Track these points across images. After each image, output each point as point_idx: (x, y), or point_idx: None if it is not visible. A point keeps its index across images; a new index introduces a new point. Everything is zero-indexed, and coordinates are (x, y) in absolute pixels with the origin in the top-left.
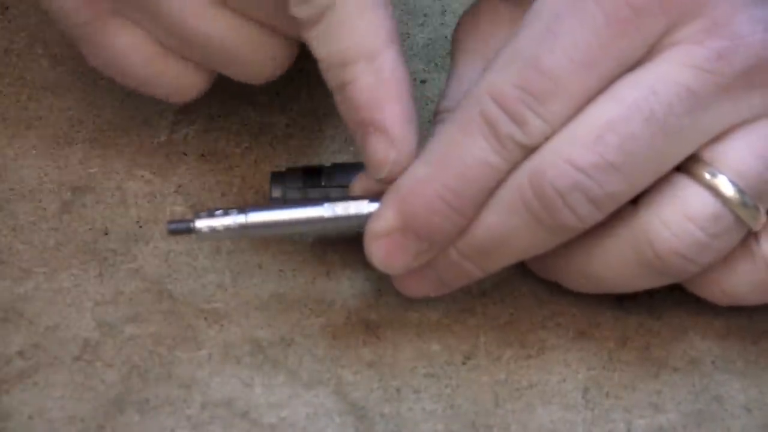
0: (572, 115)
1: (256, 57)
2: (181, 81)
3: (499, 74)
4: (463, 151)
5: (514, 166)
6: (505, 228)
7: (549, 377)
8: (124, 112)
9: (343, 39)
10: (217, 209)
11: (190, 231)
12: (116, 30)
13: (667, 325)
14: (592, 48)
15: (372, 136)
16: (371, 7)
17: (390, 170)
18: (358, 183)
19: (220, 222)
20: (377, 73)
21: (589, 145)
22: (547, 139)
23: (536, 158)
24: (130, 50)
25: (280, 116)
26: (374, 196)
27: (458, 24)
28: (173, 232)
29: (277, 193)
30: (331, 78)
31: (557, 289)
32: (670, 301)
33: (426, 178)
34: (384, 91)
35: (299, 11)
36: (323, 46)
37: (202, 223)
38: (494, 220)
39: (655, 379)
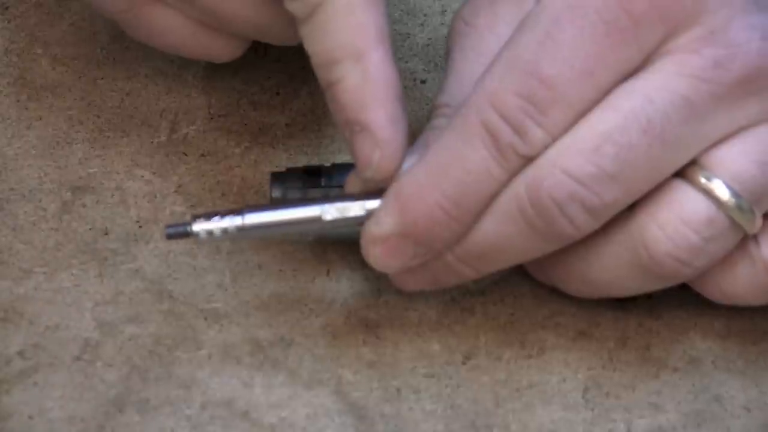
0: (571, 124)
1: (285, 32)
2: (219, 49)
3: (500, 81)
4: (464, 159)
5: (512, 175)
6: (501, 235)
7: (549, 377)
8: (124, 112)
9: (330, 37)
10: (215, 212)
11: (188, 235)
12: (153, 13)
13: (667, 325)
14: (591, 57)
15: (358, 135)
16: (361, 7)
17: (375, 170)
18: (353, 179)
19: (217, 225)
20: (363, 74)
21: (586, 155)
22: (546, 148)
23: (534, 168)
24: (168, 30)
25: (280, 116)
26: (372, 194)
27: (455, 19)
28: (171, 237)
29: (277, 193)
30: (320, 76)
31: (557, 289)
32: (670, 301)
33: (426, 185)
34: (370, 92)
35: (292, 7)
36: (313, 43)
37: (199, 227)
38: (491, 227)
39: (655, 379)
